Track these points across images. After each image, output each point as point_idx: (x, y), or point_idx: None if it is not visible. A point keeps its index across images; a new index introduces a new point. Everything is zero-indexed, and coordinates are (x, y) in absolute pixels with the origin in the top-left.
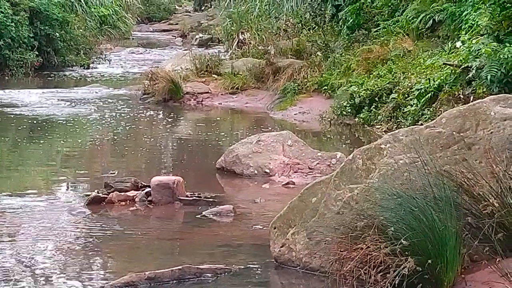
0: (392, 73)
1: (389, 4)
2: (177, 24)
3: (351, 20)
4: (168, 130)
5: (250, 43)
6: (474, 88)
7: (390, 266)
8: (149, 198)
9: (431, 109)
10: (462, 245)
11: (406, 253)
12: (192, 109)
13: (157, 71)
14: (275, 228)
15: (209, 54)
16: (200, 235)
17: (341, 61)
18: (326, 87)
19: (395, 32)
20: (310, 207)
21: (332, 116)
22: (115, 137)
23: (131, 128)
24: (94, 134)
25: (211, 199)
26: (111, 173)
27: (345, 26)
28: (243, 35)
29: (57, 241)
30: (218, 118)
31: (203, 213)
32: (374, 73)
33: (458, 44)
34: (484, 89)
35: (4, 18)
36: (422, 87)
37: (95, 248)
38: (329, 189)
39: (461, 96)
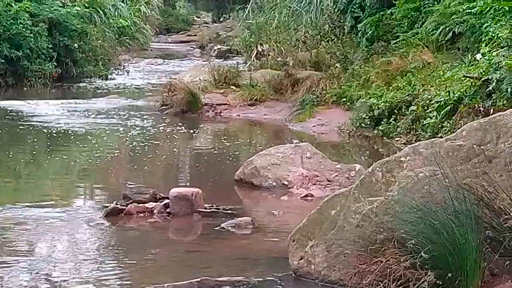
0: (412, 85)
1: (409, 16)
2: (195, 35)
3: (370, 32)
4: (186, 141)
5: (269, 54)
6: (494, 101)
7: (410, 279)
8: (168, 210)
9: (450, 121)
10: (482, 258)
11: (426, 266)
12: (211, 120)
13: (176, 82)
14: (294, 241)
15: (227, 65)
16: (219, 247)
17: (360, 73)
18: (345, 99)
19: (414, 44)
20: (329, 219)
21: (351, 128)
22: (133, 149)
23: (149, 139)
24: (112, 145)
25: (229, 211)
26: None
27: (364, 38)
28: (261, 47)
29: (74, 253)
30: (237, 130)
31: (222, 225)
32: (393, 85)
33: (478, 56)
34: (505, 102)
35: (23, 29)
36: (441, 99)
37: (113, 260)
38: (348, 201)
39: (481, 109)
